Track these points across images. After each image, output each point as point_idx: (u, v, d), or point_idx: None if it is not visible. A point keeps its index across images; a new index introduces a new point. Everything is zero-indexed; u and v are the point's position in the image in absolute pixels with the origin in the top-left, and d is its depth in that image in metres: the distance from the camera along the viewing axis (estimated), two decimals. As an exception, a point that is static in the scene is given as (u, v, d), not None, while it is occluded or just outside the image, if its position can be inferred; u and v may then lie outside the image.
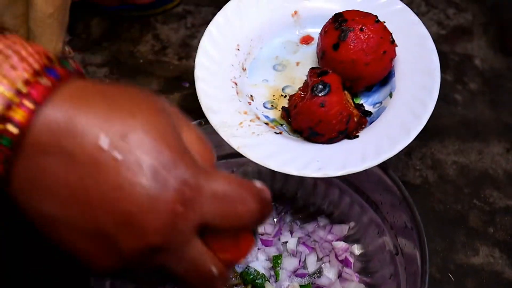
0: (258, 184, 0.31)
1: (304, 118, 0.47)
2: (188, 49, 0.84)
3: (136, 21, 0.85)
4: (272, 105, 0.52)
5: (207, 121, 0.49)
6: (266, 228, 0.58)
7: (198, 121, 0.53)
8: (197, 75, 0.51)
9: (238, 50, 0.53)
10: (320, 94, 0.45)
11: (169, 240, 0.27)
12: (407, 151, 0.73)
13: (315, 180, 0.59)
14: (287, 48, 0.56)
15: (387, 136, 0.47)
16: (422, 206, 0.66)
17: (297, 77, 0.54)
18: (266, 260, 0.56)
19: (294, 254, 0.57)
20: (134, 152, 0.26)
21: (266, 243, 0.57)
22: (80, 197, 0.26)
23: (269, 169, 0.58)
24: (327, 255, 0.57)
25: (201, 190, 0.28)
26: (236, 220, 0.30)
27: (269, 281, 0.54)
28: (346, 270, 0.56)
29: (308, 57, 0.55)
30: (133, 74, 0.84)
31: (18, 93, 0.26)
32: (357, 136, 0.48)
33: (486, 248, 0.62)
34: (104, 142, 0.26)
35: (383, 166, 0.51)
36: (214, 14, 0.56)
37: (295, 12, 0.55)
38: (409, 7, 0.55)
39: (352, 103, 0.50)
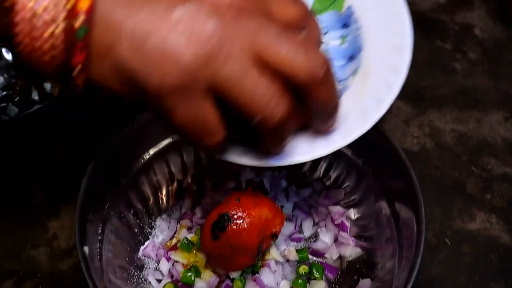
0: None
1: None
2: None
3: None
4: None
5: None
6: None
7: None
8: None
9: None
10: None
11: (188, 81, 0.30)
12: (405, 119, 0.72)
13: None
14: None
15: (357, 111, 0.42)
16: (419, 173, 0.65)
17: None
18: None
19: (290, 218, 0.56)
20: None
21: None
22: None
23: None
24: (323, 220, 0.57)
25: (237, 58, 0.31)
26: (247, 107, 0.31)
27: None
28: (342, 234, 0.55)
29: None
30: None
31: None
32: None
33: (483, 214, 0.61)
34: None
35: (380, 131, 0.51)
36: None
37: None
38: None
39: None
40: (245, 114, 0.32)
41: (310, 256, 0.54)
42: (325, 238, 0.55)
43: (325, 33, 0.48)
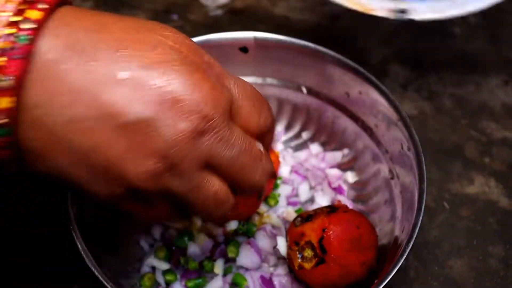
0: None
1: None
2: (176, -22, 0.81)
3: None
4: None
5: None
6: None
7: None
8: None
9: None
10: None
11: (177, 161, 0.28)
12: (403, 83, 0.71)
13: (308, 107, 0.56)
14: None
15: None
16: (418, 137, 0.64)
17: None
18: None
19: (286, 182, 0.55)
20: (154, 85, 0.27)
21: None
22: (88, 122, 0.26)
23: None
24: (320, 184, 0.56)
25: (220, 133, 0.29)
26: (239, 179, 0.32)
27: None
28: (340, 197, 0.54)
29: None
30: (118, 7, 0.80)
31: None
32: None
33: (481, 178, 0.61)
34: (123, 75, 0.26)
35: (381, 89, 0.49)
36: None
37: None
38: None
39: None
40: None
41: None
42: (322, 202, 0.54)
43: None
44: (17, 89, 0.25)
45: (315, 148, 0.57)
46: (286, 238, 0.47)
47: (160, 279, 0.48)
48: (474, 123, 0.66)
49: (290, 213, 0.52)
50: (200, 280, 0.48)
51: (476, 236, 0.55)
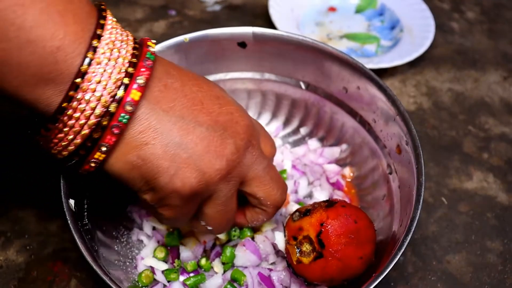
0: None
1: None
2: (174, -26, 0.80)
3: None
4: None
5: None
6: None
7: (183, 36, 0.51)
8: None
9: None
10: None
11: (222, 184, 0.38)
12: (402, 79, 0.71)
13: (306, 102, 0.56)
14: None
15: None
16: (416, 132, 0.64)
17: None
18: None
19: (288, 177, 0.55)
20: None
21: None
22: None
23: (261, 94, 0.57)
24: (318, 179, 0.55)
25: (258, 160, 0.40)
26: (268, 197, 0.42)
27: None
28: (338, 193, 0.54)
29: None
30: (118, 2, 0.80)
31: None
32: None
33: (480, 173, 0.60)
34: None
35: (380, 85, 0.49)
36: None
37: None
38: None
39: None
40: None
41: None
42: (320, 197, 0.54)
43: (369, 21, 0.78)
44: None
45: (313, 143, 0.57)
46: (284, 232, 0.47)
47: (160, 277, 0.48)
48: (472, 119, 0.66)
49: (292, 204, 0.52)
50: (199, 278, 0.48)
51: (474, 231, 0.55)
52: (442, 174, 0.60)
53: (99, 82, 0.32)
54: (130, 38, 0.35)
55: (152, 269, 0.48)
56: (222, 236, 0.49)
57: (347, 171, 0.55)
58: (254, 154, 0.40)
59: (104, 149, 0.34)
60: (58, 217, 0.54)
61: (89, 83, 0.32)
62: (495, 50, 0.76)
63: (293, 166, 0.56)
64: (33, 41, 0.30)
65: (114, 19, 0.35)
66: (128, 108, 0.33)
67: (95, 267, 0.38)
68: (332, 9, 0.80)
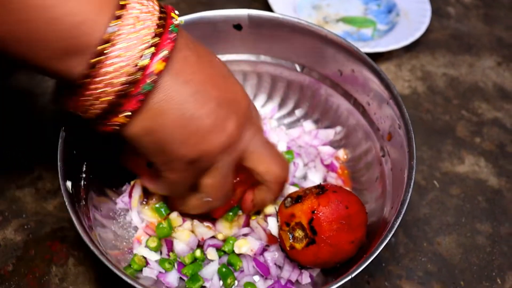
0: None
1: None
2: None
3: None
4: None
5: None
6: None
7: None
8: None
9: None
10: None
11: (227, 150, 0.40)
12: (397, 63, 0.71)
13: (301, 84, 0.57)
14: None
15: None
16: (410, 116, 0.64)
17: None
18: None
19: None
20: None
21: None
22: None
23: (256, 76, 0.58)
24: (313, 160, 0.56)
25: (256, 137, 0.42)
26: (264, 173, 0.44)
27: None
28: (331, 174, 0.55)
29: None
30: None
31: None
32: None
33: (472, 157, 0.61)
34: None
35: (372, 65, 0.49)
36: None
37: None
38: None
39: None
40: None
41: None
42: (315, 178, 0.55)
43: (366, 4, 0.79)
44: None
45: (308, 125, 0.58)
46: (277, 218, 0.48)
47: (154, 265, 0.48)
48: (466, 104, 0.67)
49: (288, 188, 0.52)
50: (195, 265, 0.48)
51: (464, 214, 0.56)
52: (435, 158, 0.61)
53: (123, 50, 0.34)
54: (156, 8, 0.36)
55: (145, 258, 0.49)
56: (221, 237, 0.50)
57: (341, 153, 0.56)
58: (253, 131, 0.42)
59: (128, 113, 0.36)
60: (55, 197, 0.55)
61: (114, 52, 0.33)
62: (490, 35, 0.76)
63: (288, 148, 0.57)
64: (56, 19, 0.31)
65: None
66: (153, 77, 0.35)
67: (92, 248, 0.39)
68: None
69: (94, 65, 0.33)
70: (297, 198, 0.45)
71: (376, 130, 0.52)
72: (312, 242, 0.44)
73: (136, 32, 0.34)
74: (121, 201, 0.51)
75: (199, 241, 0.49)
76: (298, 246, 0.45)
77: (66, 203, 0.40)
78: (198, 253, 0.49)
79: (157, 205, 0.50)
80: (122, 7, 0.34)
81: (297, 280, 0.48)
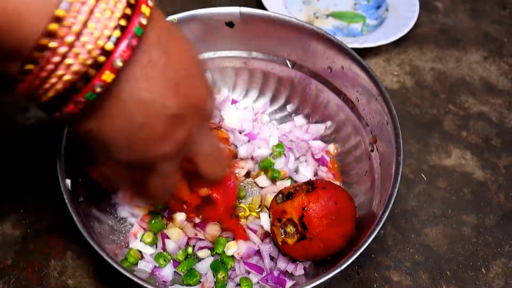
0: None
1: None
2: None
3: None
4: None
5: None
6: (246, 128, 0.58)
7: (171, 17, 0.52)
8: None
9: None
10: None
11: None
12: (386, 57, 0.72)
13: (292, 80, 0.58)
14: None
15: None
16: (398, 110, 0.66)
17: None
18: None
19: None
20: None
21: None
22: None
23: (248, 72, 0.59)
24: (304, 155, 0.58)
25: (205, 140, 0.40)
26: (208, 172, 0.42)
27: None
28: (322, 168, 0.56)
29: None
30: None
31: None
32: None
33: (458, 151, 0.63)
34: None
35: (361, 62, 0.51)
36: None
37: None
38: None
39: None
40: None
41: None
42: (306, 172, 0.56)
43: None
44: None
45: (299, 120, 0.59)
46: (269, 214, 0.50)
47: (148, 259, 0.50)
48: (453, 98, 0.68)
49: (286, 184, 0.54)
50: (190, 261, 0.50)
51: (451, 206, 0.58)
52: (423, 151, 0.62)
53: (84, 26, 0.30)
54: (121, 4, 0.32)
55: (140, 252, 0.50)
56: (210, 238, 0.51)
57: (332, 147, 0.58)
58: (202, 134, 0.40)
59: (98, 89, 0.32)
60: (53, 192, 0.56)
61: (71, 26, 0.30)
62: (476, 30, 0.78)
63: (280, 141, 0.58)
64: None
65: None
66: (118, 64, 0.32)
67: (92, 243, 0.40)
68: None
69: (51, 35, 0.29)
70: (288, 195, 0.47)
71: (365, 125, 0.53)
72: (303, 238, 0.45)
73: (99, 10, 0.30)
74: (115, 196, 0.52)
75: (188, 238, 0.51)
76: (290, 241, 0.46)
77: (66, 201, 0.42)
78: (190, 250, 0.51)
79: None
80: None
81: (288, 272, 0.49)
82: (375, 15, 0.77)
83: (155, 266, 0.49)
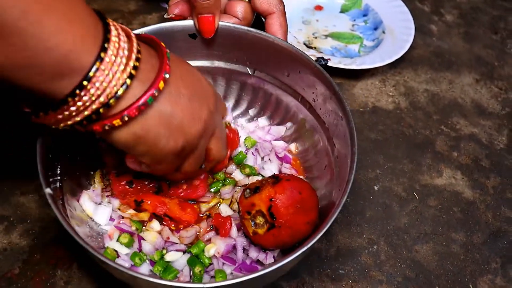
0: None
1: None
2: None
3: None
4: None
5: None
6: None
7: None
8: None
9: None
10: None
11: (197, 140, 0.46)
12: (382, 78, 0.75)
13: (253, 86, 0.62)
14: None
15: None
16: (393, 130, 0.69)
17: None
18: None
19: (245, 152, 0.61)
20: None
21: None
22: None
23: (212, 80, 0.63)
24: (268, 154, 0.62)
25: (220, 124, 0.49)
26: (217, 155, 0.50)
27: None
28: (286, 165, 0.60)
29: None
30: (110, -7, 0.82)
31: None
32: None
33: (449, 171, 0.66)
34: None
35: (315, 66, 0.55)
36: None
37: None
38: None
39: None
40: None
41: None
42: (271, 168, 0.60)
43: (354, 21, 0.83)
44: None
45: (262, 121, 0.64)
46: (238, 208, 0.53)
47: (124, 258, 0.52)
48: (445, 119, 0.71)
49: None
50: (164, 261, 0.52)
51: (441, 224, 0.61)
52: (415, 171, 0.65)
53: (115, 64, 0.39)
54: (134, 41, 0.42)
55: (116, 251, 0.52)
56: (186, 241, 0.54)
57: (293, 146, 0.62)
58: (218, 118, 0.49)
59: (126, 119, 0.40)
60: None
61: (102, 73, 0.38)
62: (469, 53, 0.81)
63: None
64: (49, 48, 0.36)
65: (117, 25, 0.41)
66: (156, 93, 0.41)
67: (80, 241, 0.43)
68: (318, 7, 0.84)
69: (84, 84, 0.38)
70: (255, 189, 0.51)
71: (322, 123, 0.57)
72: (272, 227, 0.49)
73: (123, 56, 0.39)
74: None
75: (165, 241, 0.54)
76: (260, 231, 0.50)
77: (50, 203, 0.45)
78: (164, 252, 0.53)
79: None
80: (107, 39, 0.39)
81: (259, 260, 0.53)
82: (372, 37, 0.80)
83: (132, 265, 0.52)
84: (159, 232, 0.54)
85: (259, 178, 0.58)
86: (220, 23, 0.57)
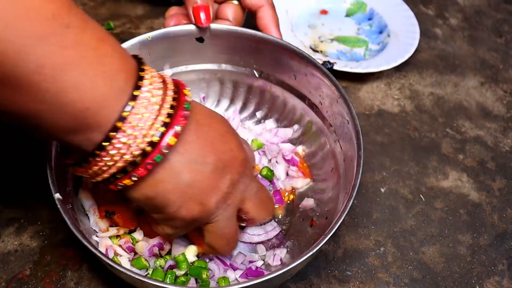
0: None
1: None
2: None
3: None
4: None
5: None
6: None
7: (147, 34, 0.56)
8: None
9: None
10: None
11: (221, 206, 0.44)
12: (387, 82, 0.76)
13: (260, 88, 0.62)
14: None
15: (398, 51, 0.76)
16: (399, 133, 0.69)
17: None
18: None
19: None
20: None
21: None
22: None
23: (219, 83, 0.64)
24: (275, 157, 0.62)
25: (249, 187, 0.46)
26: (258, 216, 0.48)
27: None
28: (293, 168, 0.61)
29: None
30: (117, -2, 0.83)
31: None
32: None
33: (455, 173, 0.66)
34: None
35: (322, 69, 0.55)
36: None
37: None
38: None
39: None
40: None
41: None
42: (278, 172, 0.61)
43: (359, 24, 0.84)
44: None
45: (269, 124, 0.64)
46: None
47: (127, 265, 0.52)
48: (451, 122, 0.72)
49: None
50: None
51: (447, 226, 0.61)
52: (421, 173, 0.66)
53: (136, 129, 0.37)
54: (170, 86, 0.40)
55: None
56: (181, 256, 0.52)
57: (300, 149, 0.62)
58: (246, 183, 0.46)
59: (134, 178, 0.40)
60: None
61: (127, 129, 0.37)
62: (474, 56, 0.81)
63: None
64: (65, 104, 0.35)
65: (153, 71, 0.40)
66: (164, 151, 0.39)
67: (88, 245, 0.44)
68: (324, 12, 0.85)
69: (109, 139, 0.37)
70: None
71: (329, 126, 0.58)
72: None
73: (149, 112, 0.38)
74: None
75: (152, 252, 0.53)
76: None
77: (60, 208, 0.46)
78: (162, 261, 0.52)
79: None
80: (138, 87, 0.37)
81: (265, 263, 0.53)
82: (377, 40, 0.80)
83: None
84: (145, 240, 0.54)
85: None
86: (227, 26, 0.58)
